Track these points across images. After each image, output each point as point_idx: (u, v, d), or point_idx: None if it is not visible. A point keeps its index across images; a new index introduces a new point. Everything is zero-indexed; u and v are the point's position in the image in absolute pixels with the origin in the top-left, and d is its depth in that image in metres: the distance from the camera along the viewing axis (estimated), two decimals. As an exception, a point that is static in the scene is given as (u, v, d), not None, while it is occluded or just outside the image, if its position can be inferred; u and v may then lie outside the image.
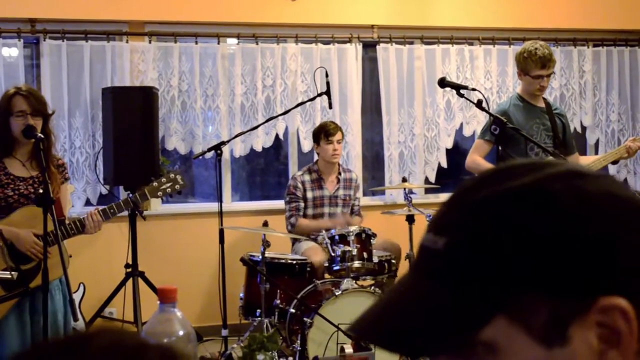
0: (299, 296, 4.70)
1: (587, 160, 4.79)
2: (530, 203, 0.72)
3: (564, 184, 0.72)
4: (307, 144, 6.20)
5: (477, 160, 4.72)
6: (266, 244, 4.76)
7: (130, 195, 4.13)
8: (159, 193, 4.17)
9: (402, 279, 0.80)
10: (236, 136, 5.43)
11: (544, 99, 4.79)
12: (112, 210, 3.95)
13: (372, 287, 4.74)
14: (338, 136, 5.53)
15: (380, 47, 6.40)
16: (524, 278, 0.70)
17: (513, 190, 0.73)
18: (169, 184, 4.16)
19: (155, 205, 6.04)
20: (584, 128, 6.86)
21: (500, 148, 4.36)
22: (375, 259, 4.92)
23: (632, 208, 0.74)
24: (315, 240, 5.37)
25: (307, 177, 5.58)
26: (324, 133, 5.52)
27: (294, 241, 5.53)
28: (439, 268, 0.75)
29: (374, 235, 4.99)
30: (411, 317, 0.74)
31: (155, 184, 4.16)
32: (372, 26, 6.39)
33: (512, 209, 0.72)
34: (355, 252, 4.84)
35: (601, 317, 0.70)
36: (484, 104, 4.13)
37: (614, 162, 4.90)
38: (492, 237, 0.72)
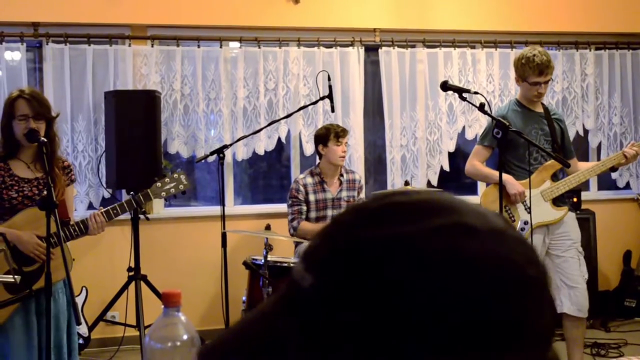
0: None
1: (585, 166, 4.75)
2: (405, 258, 0.63)
3: (446, 242, 0.64)
4: (310, 147, 6.20)
5: (477, 165, 4.72)
6: (269, 247, 4.76)
7: (134, 195, 4.01)
8: (163, 193, 4.05)
9: (265, 304, 0.71)
10: (238, 140, 5.42)
11: (542, 104, 4.77)
12: (115, 211, 3.87)
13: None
14: (346, 138, 5.57)
15: (382, 51, 6.40)
16: (392, 341, 0.61)
17: (389, 239, 0.64)
18: (172, 184, 4.05)
19: (158, 209, 6.04)
20: (586, 131, 6.85)
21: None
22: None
23: (518, 275, 0.65)
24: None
25: (309, 180, 5.57)
26: (334, 134, 5.49)
27: (297, 244, 5.53)
28: (301, 308, 0.66)
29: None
30: (258, 349, 0.67)
31: (158, 184, 4.04)
32: (375, 30, 6.39)
33: (383, 261, 0.63)
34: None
35: None
36: (486, 108, 4.12)
37: (613, 169, 4.85)
38: (358, 289, 0.63)
